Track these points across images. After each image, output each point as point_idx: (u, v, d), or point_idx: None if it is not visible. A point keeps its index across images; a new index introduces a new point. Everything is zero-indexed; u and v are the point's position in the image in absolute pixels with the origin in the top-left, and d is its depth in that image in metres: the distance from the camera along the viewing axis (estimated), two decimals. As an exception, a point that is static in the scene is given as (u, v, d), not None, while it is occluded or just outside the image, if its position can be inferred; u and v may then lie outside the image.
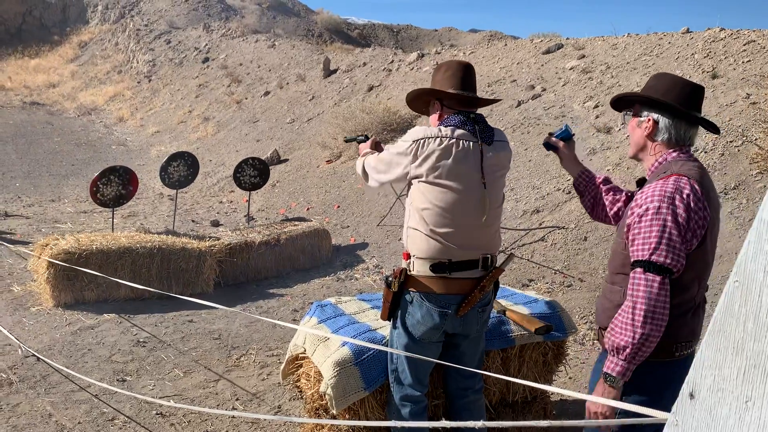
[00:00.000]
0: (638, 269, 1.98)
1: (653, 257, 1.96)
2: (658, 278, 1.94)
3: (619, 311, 2.02)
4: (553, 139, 2.67)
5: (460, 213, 2.52)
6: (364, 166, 2.85)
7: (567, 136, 2.66)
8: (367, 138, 3.11)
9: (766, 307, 0.76)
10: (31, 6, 25.50)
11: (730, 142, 6.93)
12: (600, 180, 2.58)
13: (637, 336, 1.95)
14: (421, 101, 2.83)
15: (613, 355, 2.02)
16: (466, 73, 2.68)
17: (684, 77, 2.32)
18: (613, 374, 2.01)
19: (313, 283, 6.76)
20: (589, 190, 2.58)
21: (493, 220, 2.63)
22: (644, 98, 2.21)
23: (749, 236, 0.78)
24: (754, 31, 9.10)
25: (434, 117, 2.72)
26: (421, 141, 2.51)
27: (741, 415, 0.78)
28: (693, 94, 2.16)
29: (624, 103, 2.34)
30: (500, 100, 2.95)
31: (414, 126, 10.81)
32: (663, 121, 2.15)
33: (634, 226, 2.04)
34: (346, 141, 3.41)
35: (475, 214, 2.55)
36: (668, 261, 1.95)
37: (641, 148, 2.24)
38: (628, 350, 1.97)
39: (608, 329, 2.05)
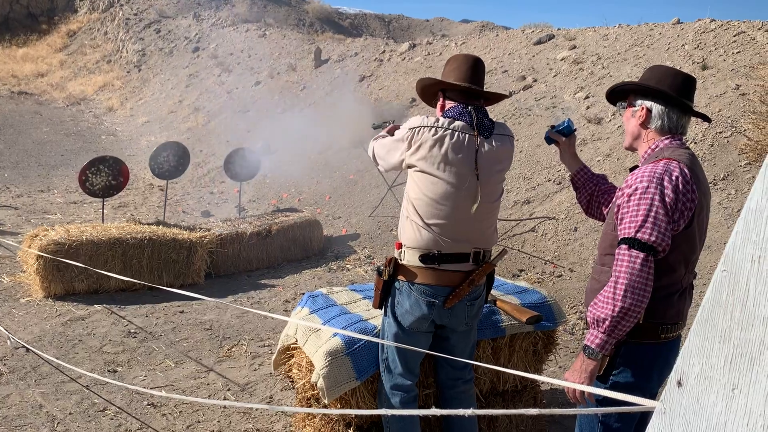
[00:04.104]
0: (623, 246, 2.02)
1: (638, 234, 1.99)
2: (641, 255, 1.98)
3: (604, 288, 2.06)
4: (554, 133, 2.66)
5: (451, 205, 2.52)
6: (373, 150, 2.86)
7: (568, 131, 2.65)
8: (391, 124, 3.10)
9: (753, 296, 0.77)
10: (18, -6, 25.17)
11: (720, 132, 6.97)
12: (598, 178, 2.60)
13: (616, 309, 1.98)
14: (430, 93, 2.82)
15: (594, 328, 2.06)
16: (471, 66, 2.66)
17: (676, 68, 2.34)
18: (593, 346, 2.05)
19: (305, 274, 6.76)
20: (586, 187, 2.60)
21: (486, 215, 2.62)
22: (637, 87, 2.24)
23: (737, 226, 0.79)
24: (744, 22, 9.13)
25: (438, 108, 2.73)
26: (417, 129, 2.51)
27: (728, 403, 0.79)
28: (685, 83, 2.21)
29: (618, 95, 2.36)
30: (507, 95, 2.92)
31: (406, 117, 10.75)
32: (656, 108, 2.19)
33: (623, 206, 2.07)
34: (374, 128, 3.37)
35: (467, 207, 2.55)
36: (653, 239, 1.98)
37: (636, 137, 2.27)
38: (607, 323, 2.00)
39: (591, 304, 2.08)
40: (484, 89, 2.70)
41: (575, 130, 2.69)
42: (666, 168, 2.04)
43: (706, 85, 7.81)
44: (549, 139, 2.69)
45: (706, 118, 2.34)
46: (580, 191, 2.63)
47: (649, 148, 2.21)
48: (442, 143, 2.49)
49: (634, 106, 2.26)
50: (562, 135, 2.65)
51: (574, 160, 2.64)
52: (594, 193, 2.58)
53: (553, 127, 2.68)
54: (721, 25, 9.20)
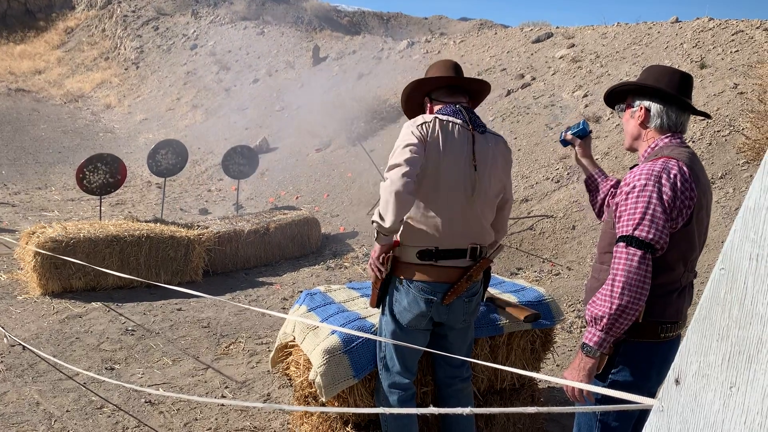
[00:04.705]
0: (621, 243, 2.02)
1: (636, 232, 1.99)
2: (639, 252, 1.98)
3: (602, 286, 2.06)
4: (569, 135, 2.64)
5: (449, 200, 2.53)
6: (391, 174, 2.41)
7: (583, 133, 2.62)
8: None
9: (752, 294, 0.77)
10: (15, -9, 25.09)
11: (718, 131, 6.98)
12: (612, 183, 2.58)
13: (614, 307, 1.98)
14: (416, 104, 2.81)
15: (592, 326, 2.06)
16: (450, 66, 2.72)
17: (673, 66, 2.34)
18: (591, 344, 2.05)
19: (303, 272, 6.76)
20: (599, 190, 2.59)
21: (483, 210, 2.62)
22: (635, 87, 2.24)
23: (735, 224, 0.79)
24: (742, 21, 9.14)
25: (428, 113, 2.71)
26: (420, 125, 2.50)
27: (725, 401, 0.78)
28: (682, 81, 2.20)
29: (616, 97, 2.36)
30: (487, 83, 2.88)
31: (403, 116, 10.77)
32: (654, 107, 2.19)
33: (621, 204, 2.07)
34: None
35: (465, 201, 2.55)
36: (650, 236, 1.98)
37: (635, 138, 2.26)
38: (605, 320, 2.01)
39: (589, 302, 2.08)
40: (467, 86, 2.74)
41: (590, 131, 2.67)
42: (664, 166, 2.04)
43: (705, 84, 7.81)
44: (564, 141, 2.67)
45: (706, 116, 2.33)
46: (593, 194, 2.62)
47: (649, 147, 2.21)
48: (440, 138, 2.49)
49: (633, 107, 2.25)
50: (577, 137, 2.62)
51: (589, 163, 2.62)
52: (607, 197, 2.57)
53: (568, 128, 2.66)
54: (720, 23, 9.21)
